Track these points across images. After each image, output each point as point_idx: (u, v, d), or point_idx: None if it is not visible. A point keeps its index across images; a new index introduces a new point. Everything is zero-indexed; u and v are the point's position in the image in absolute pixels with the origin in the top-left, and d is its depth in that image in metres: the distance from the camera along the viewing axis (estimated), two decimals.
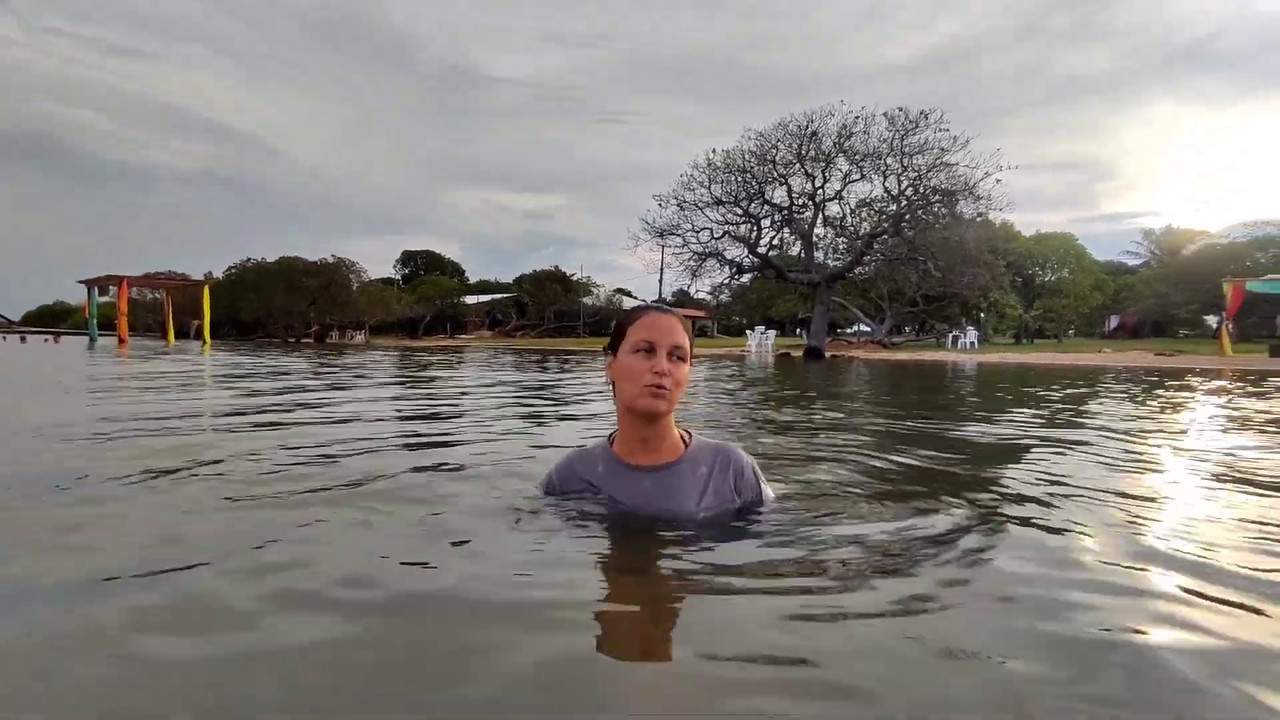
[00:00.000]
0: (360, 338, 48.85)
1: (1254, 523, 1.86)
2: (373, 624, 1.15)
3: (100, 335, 29.91)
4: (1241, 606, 1.25)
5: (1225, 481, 2.50)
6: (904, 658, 1.05)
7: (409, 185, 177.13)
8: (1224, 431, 4.18)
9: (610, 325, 1.81)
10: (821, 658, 1.03)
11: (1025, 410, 5.25)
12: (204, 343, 26.70)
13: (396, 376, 8.73)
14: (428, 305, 53.99)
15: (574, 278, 55.84)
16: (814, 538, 1.60)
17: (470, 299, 59.68)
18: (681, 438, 1.73)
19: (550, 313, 52.83)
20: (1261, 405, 5.94)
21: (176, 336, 32.54)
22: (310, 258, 48.28)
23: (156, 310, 48.63)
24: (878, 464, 2.65)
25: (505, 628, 1.13)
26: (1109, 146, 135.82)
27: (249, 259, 50.24)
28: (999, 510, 1.91)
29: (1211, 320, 35.76)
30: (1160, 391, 7.62)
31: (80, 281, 30.12)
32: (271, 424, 3.76)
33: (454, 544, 1.57)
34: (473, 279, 72.40)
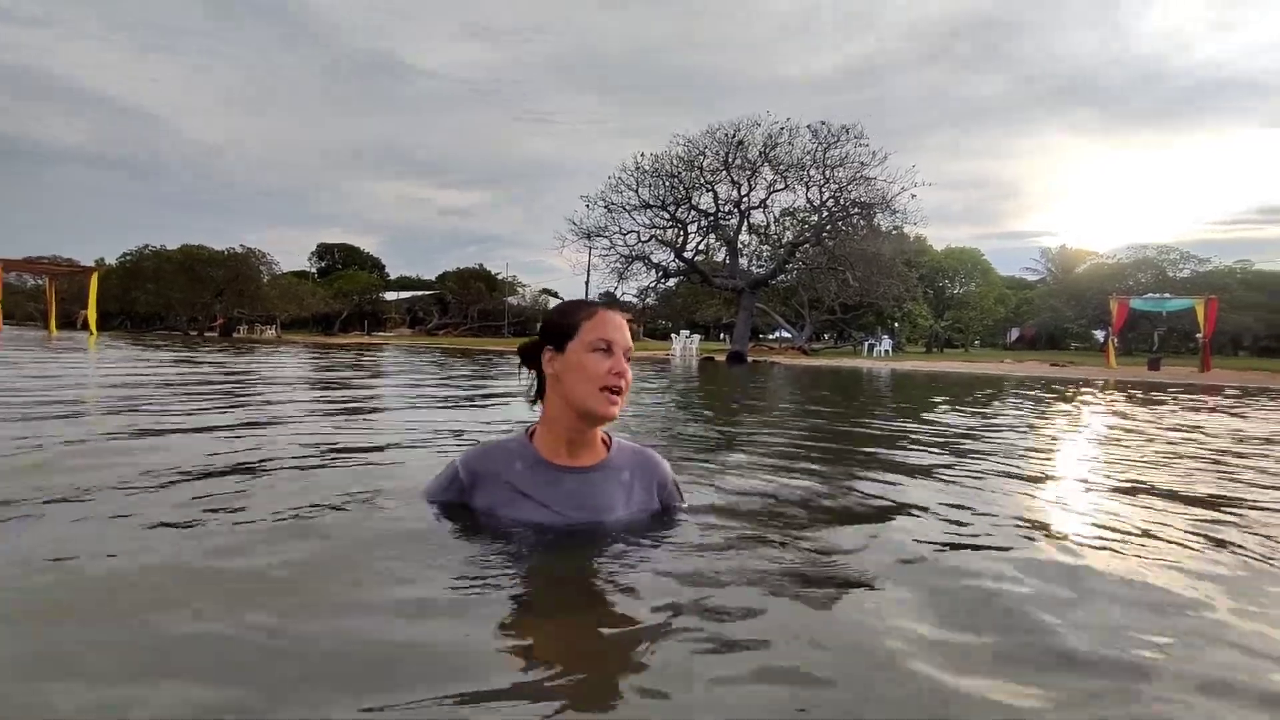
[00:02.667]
0: (271, 333, 46.39)
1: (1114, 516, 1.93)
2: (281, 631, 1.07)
3: None
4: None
5: (1086, 486, 2.62)
6: (826, 652, 1.09)
7: (326, 175, 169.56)
8: (1097, 440, 4.42)
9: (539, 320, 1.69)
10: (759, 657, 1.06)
11: (936, 413, 5.45)
12: (90, 334, 24.71)
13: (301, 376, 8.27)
14: (345, 301, 51.93)
15: (499, 276, 54.99)
16: (734, 545, 1.59)
17: (390, 295, 57.81)
18: (602, 439, 1.67)
19: (474, 311, 51.78)
20: (1140, 413, 6.38)
21: (61, 327, 29.99)
22: (217, 246, 45.57)
23: (39, 298, 44.76)
24: (794, 469, 2.64)
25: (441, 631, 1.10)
26: (1010, 168, 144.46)
27: (146, 246, 47.01)
28: (909, 507, 1.94)
29: (1099, 334, 38.58)
30: (1050, 398, 8.09)
31: None
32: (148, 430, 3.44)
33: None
34: (393, 274, 70.21)
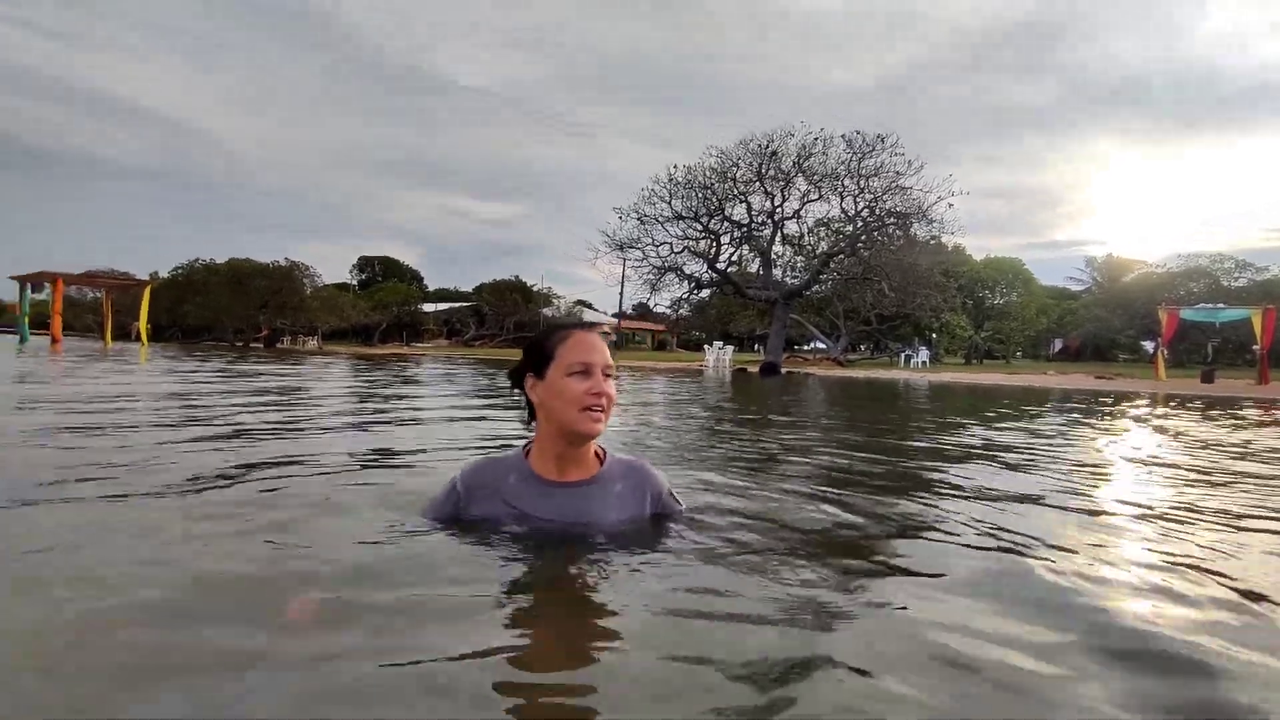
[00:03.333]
0: (313, 343, 47.57)
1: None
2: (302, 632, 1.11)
3: (34, 335, 28.53)
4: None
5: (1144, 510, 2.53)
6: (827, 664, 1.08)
7: (367, 189, 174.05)
8: (1142, 458, 4.28)
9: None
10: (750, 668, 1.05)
11: (971, 427, 5.33)
12: (141, 345, 25.66)
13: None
14: (384, 312, 52.93)
15: (535, 288, 55.49)
16: (727, 553, 1.61)
17: (428, 307, 58.70)
18: (596, 454, 1.72)
19: (510, 323, 52.31)
20: (1192, 429, 6.15)
21: (117, 338, 31.23)
22: (262, 259, 46.97)
23: (97, 310, 46.65)
24: (821, 478, 2.62)
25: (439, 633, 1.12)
26: (1054, 176, 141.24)
27: (197, 259, 48.68)
28: (919, 519, 1.90)
29: (1148, 345, 37.30)
30: (1096, 413, 7.85)
31: (12, 278, 28.68)
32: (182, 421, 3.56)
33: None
34: (431, 286, 71.35)
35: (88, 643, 1.09)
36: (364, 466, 2.70)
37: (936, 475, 3.00)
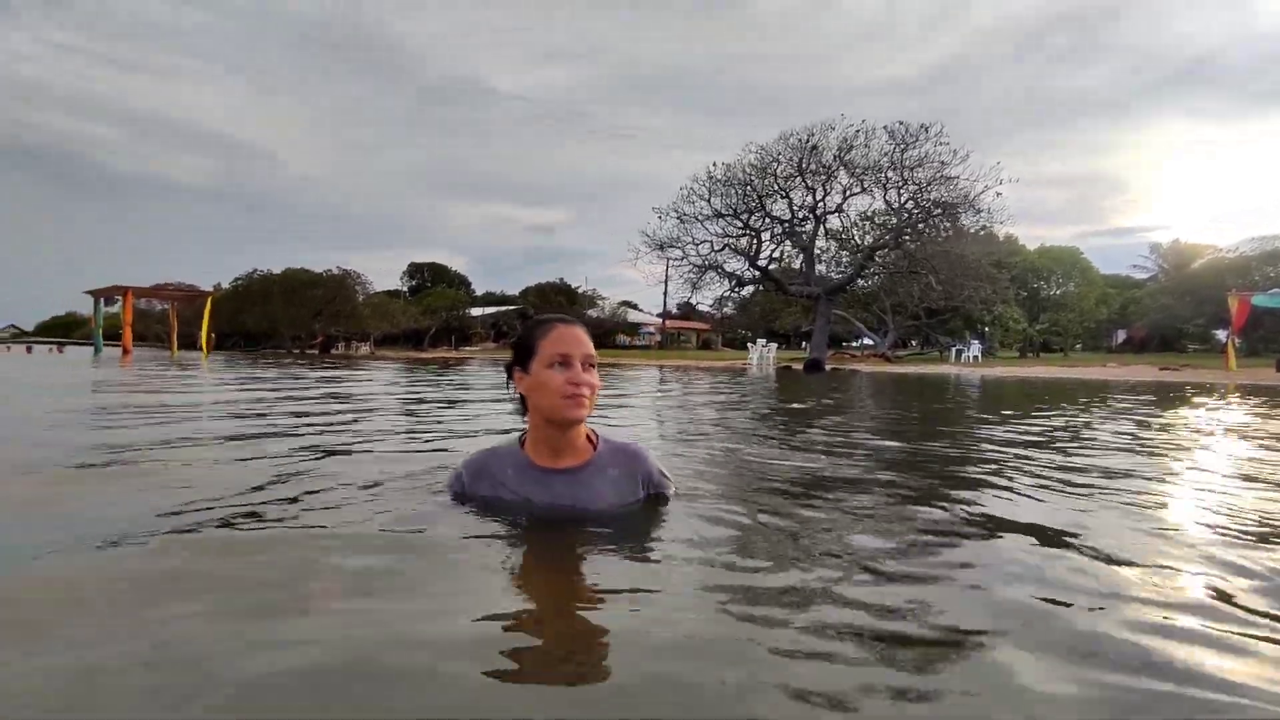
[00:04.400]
0: (365, 349, 49.00)
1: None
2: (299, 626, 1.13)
3: (107, 346, 30.14)
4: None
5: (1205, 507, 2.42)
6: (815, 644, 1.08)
7: (415, 198, 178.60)
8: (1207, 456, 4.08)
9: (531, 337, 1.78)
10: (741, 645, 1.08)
11: (1010, 422, 5.17)
12: (203, 353, 26.84)
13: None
14: (433, 317, 54.16)
15: (579, 290, 55.98)
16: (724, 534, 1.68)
17: (475, 311, 59.84)
18: (589, 438, 1.80)
19: None
20: (1256, 421, 5.83)
21: (183, 347, 32.72)
22: (316, 269, 48.63)
23: (164, 321, 49.00)
24: (838, 468, 2.58)
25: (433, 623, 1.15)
26: (1116, 161, 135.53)
27: (255, 270, 50.65)
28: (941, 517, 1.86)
29: (1220, 334, 35.39)
30: (1152, 405, 7.50)
31: (86, 292, 30.34)
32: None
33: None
34: (479, 291, 72.64)
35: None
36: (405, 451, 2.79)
37: (955, 470, 2.93)
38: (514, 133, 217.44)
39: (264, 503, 1.95)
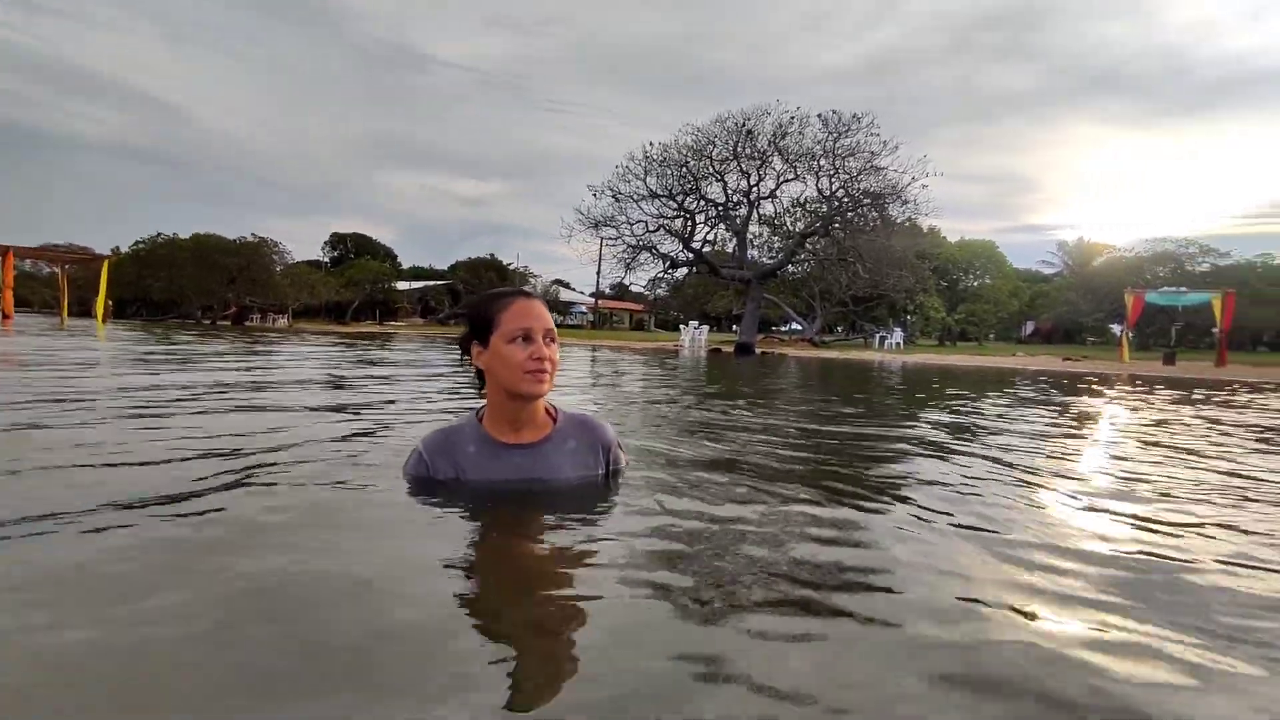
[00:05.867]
0: (283, 321, 46.71)
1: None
2: (256, 613, 1.07)
3: None
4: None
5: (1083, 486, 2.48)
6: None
7: (340, 164, 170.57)
8: (1096, 439, 4.26)
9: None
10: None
11: (934, 407, 5.30)
12: (98, 321, 24.91)
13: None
14: (356, 290, 52.09)
15: (510, 267, 54.97)
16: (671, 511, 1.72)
17: (402, 285, 57.96)
18: (548, 411, 1.82)
19: None
20: (1145, 409, 6.19)
21: (77, 315, 30.32)
22: (230, 235, 45.90)
23: (54, 285, 45.31)
24: (774, 448, 2.53)
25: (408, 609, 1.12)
26: (1031, 161, 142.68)
27: (159, 234, 47.39)
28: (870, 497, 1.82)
29: (1115, 328, 37.96)
30: (1055, 393, 7.90)
31: None
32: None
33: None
34: (406, 265, 70.36)
35: None
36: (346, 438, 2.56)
37: (891, 449, 2.93)
38: (449, 101, 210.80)
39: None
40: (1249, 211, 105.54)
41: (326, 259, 67.18)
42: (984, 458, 2.92)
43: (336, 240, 71.01)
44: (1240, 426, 4.82)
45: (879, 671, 0.95)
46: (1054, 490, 2.32)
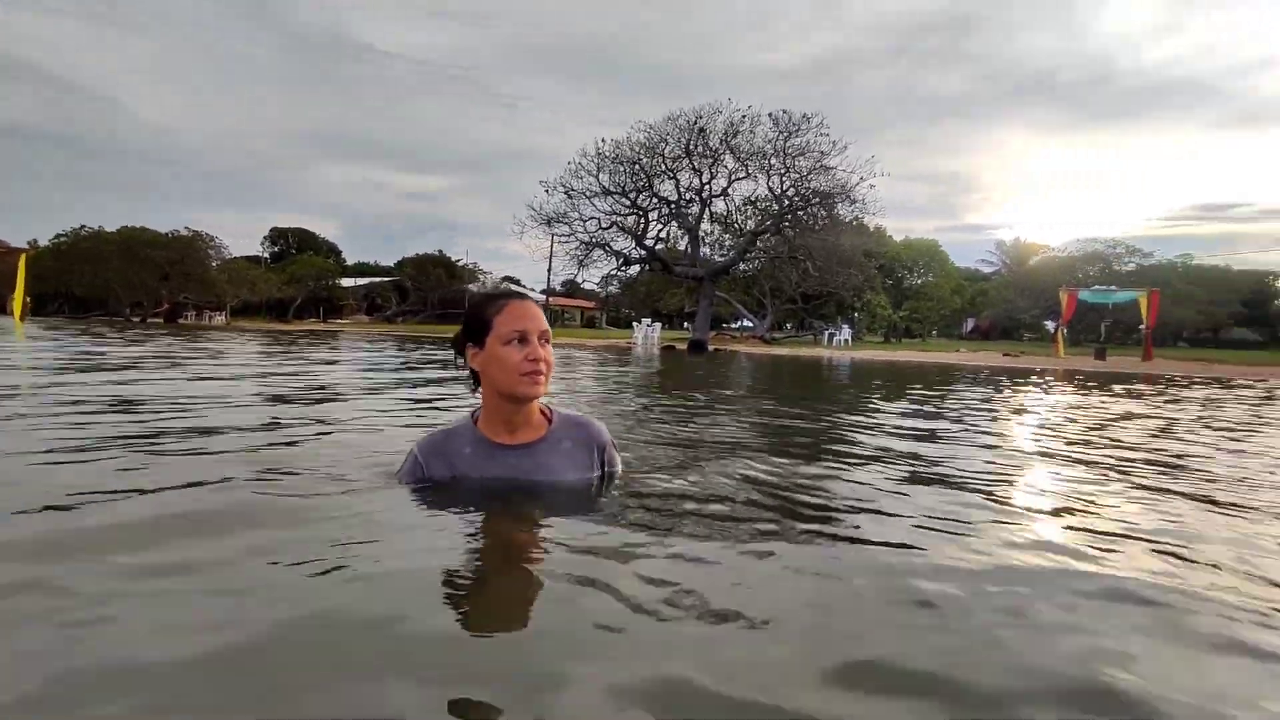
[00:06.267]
0: (220, 319, 44.86)
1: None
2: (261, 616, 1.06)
3: None
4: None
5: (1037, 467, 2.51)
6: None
7: (280, 157, 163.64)
8: (1045, 427, 4.37)
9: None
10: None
11: (889, 400, 5.36)
12: (15, 319, 23.42)
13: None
14: (299, 287, 50.37)
15: (459, 263, 53.97)
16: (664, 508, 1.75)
17: (347, 282, 56.32)
18: (543, 412, 1.81)
19: (434, 298, 50.75)
20: (1087, 401, 6.41)
21: None
22: (161, 229, 43.81)
23: None
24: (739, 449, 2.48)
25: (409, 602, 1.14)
26: (971, 162, 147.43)
27: (83, 226, 44.94)
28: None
29: (1050, 325, 39.60)
30: (1002, 387, 8.13)
31: None
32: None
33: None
34: (350, 260, 68.43)
35: None
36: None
37: (850, 442, 2.92)
38: (396, 94, 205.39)
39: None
40: (1170, 214, 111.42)
41: (267, 254, 64.86)
42: (954, 439, 2.93)
43: (277, 235, 68.60)
44: (1203, 419, 5.01)
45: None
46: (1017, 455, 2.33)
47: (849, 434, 3.45)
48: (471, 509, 1.62)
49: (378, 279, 57.20)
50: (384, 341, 18.02)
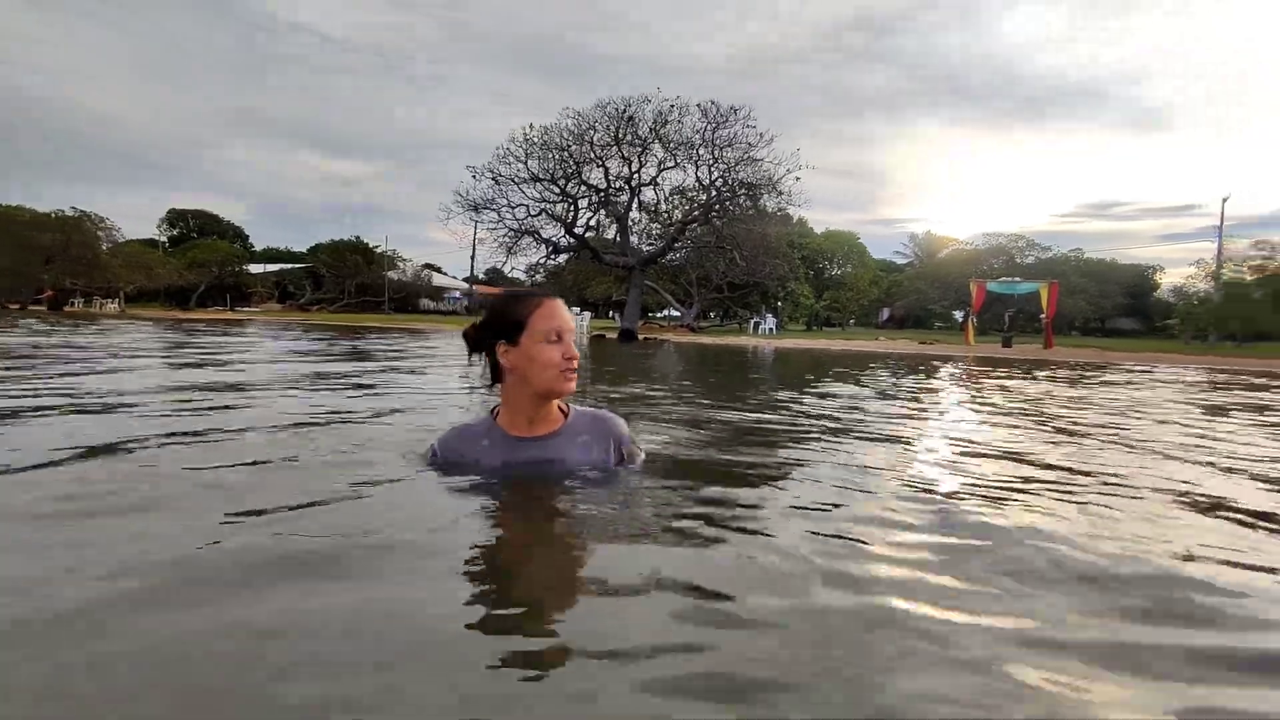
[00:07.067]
0: (113, 306, 41.61)
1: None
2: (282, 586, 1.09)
3: None
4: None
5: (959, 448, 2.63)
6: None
7: (182, 133, 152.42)
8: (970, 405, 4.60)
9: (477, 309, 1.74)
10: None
11: (824, 386, 5.51)
12: None
13: None
14: (202, 273, 47.29)
15: (378, 250, 52.01)
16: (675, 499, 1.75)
17: (256, 268, 53.35)
18: (559, 407, 1.86)
19: (351, 286, 48.73)
20: (1003, 383, 6.79)
21: None
22: (41, 208, 40.21)
23: None
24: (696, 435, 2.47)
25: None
26: (887, 157, 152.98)
27: None
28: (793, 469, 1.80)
29: (958, 315, 41.74)
30: (924, 372, 8.52)
31: None
32: None
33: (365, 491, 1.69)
34: (259, 246, 64.90)
35: None
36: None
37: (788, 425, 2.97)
38: (314, 73, 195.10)
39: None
40: (1066, 211, 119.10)
41: (165, 238, 60.66)
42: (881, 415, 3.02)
43: (176, 217, 64.20)
44: (1112, 399, 5.37)
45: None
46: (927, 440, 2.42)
47: (830, 415, 3.51)
48: (488, 497, 1.65)
49: (290, 265, 54.45)
50: (323, 332, 17.19)
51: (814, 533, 1.47)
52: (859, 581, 1.19)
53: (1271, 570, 1.35)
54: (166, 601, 1.04)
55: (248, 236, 65.92)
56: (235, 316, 35.33)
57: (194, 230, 61.65)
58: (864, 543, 1.42)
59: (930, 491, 1.90)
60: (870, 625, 1.02)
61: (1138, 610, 1.10)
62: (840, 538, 1.45)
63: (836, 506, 1.74)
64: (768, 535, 1.45)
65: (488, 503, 1.62)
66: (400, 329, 24.38)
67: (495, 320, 1.76)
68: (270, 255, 60.63)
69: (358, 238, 52.78)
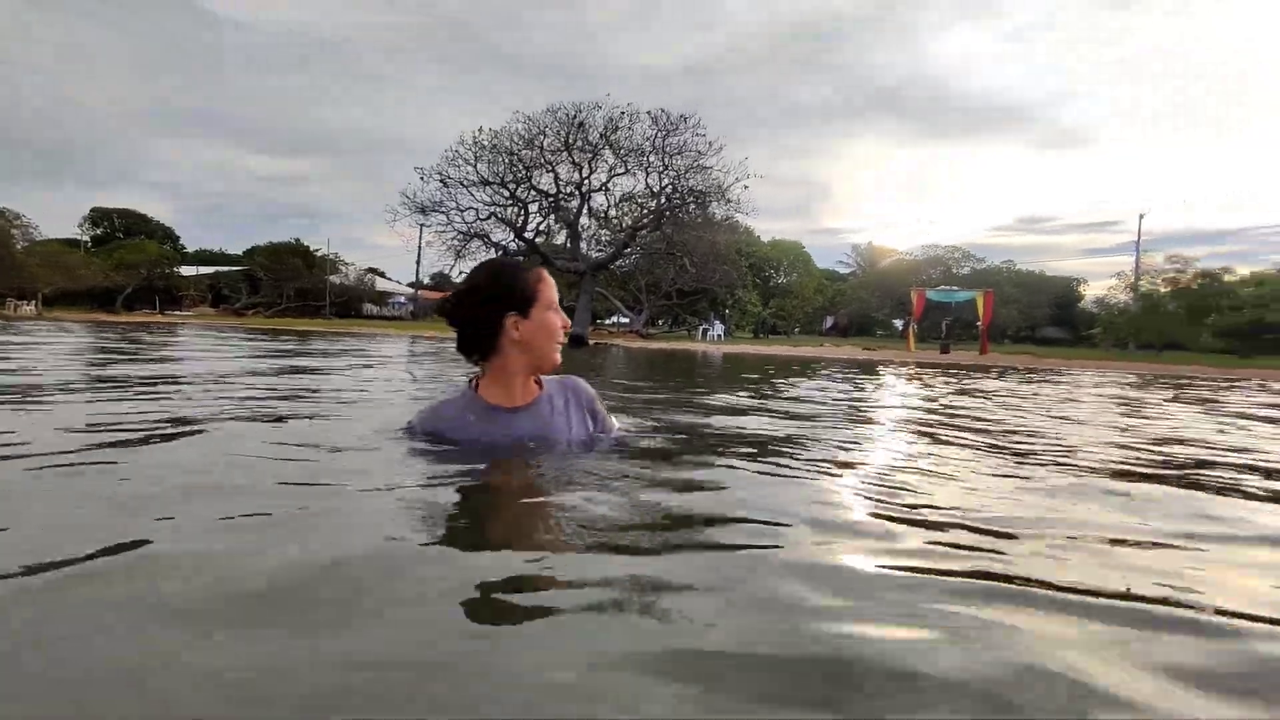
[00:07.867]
0: (29, 308, 39.20)
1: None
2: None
3: None
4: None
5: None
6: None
7: (101, 126, 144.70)
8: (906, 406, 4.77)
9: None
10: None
11: (778, 388, 5.61)
12: None
13: None
14: (130, 274, 45.02)
15: (319, 253, 50.52)
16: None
17: (187, 270, 51.11)
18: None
19: (290, 290, 47.15)
20: (947, 386, 7.04)
21: None
22: None
23: None
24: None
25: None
26: (828, 169, 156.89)
27: None
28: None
29: (899, 323, 43.11)
30: (871, 376, 8.77)
31: None
32: None
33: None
34: (190, 247, 62.23)
35: None
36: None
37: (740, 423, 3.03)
38: (251, 69, 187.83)
39: None
40: (999, 224, 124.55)
41: (87, 238, 57.54)
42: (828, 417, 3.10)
43: (100, 217, 60.94)
44: (1037, 397, 5.61)
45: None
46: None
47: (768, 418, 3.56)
48: (471, 466, 1.63)
49: (225, 268, 52.38)
50: (264, 336, 16.54)
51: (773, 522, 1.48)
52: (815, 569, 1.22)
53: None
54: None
55: (179, 238, 63.09)
56: (165, 320, 33.74)
57: (120, 230, 58.70)
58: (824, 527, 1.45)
59: (897, 484, 1.95)
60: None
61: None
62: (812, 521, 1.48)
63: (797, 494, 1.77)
64: (740, 522, 1.46)
65: (476, 475, 1.59)
66: (343, 333, 23.68)
67: (505, 293, 1.71)
68: (204, 258, 58.24)
69: (298, 240, 51.21)
